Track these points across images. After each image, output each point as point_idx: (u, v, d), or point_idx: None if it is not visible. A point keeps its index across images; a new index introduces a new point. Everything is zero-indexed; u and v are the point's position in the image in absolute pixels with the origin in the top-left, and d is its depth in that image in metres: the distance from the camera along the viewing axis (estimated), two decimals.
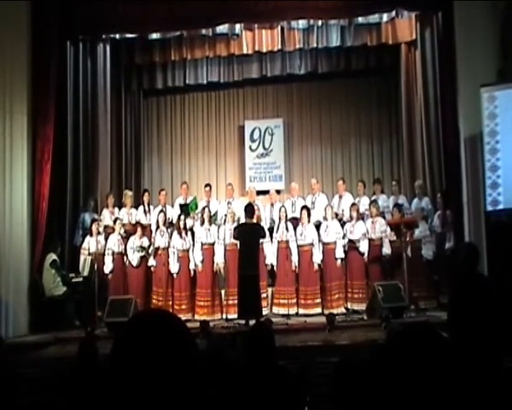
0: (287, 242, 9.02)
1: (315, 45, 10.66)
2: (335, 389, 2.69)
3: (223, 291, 9.09)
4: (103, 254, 9.03)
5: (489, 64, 8.28)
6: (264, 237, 8.53)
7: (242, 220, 8.74)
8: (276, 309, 9.00)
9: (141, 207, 9.93)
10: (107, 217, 9.72)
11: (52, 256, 8.87)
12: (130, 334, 1.24)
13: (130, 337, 1.24)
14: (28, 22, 9.06)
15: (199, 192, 10.60)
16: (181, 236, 9.14)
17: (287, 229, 9.05)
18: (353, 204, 9.34)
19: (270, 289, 9.15)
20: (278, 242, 9.06)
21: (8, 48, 8.65)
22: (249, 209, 8.37)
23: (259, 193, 10.76)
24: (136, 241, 9.09)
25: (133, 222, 9.56)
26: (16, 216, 8.63)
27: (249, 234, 8.13)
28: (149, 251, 9.06)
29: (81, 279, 8.91)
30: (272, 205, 9.98)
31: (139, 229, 9.18)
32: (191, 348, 1.25)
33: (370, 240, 8.99)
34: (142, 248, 9.01)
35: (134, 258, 9.06)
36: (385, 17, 10.24)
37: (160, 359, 1.19)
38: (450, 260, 8.55)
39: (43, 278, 8.83)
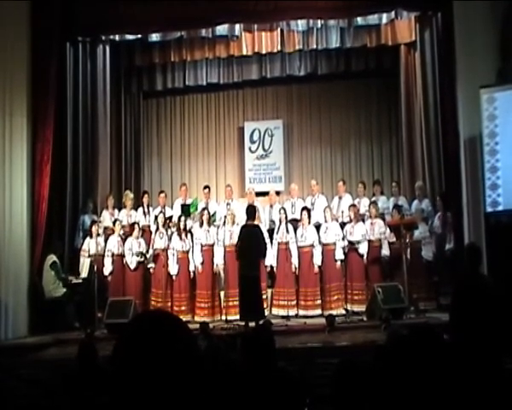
0: (287, 243, 9.02)
1: (314, 47, 10.65)
2: (335, 391, 2.69)
3: (222, 293, 9.09)
4: (103, 256, 9.02)
5: (488, 65, 8.28)
6: (264, 256, 8.41)
7: (243, 222, 8.72)
8: (275, 311, 9.00)
9: (140, 209, 9.93)
10: (106, 218, 9.72)
11: (52, 258, 8.85)
12: (130, 335, 1.24)
13: (130, 339, 1.23)
14: (28, 24, 9.06)
15: (198, 194, 10.59)
16: (181, 237, 9.13)
17: (287, 230, 9.05)
18: (352, 205, 9.34)
19: (269, 291, 9.14)
20: (278, 243, 9.05)
21: (7, 49, 8.66)
22: (251, 211, 8.37)
23: (259, 194, 10.73)
24: (133, 243, 9.09)
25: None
26: (16, 217, 8.62)
27: (250, 235, 8.11)
28: (148, 256, 9.06)
29: (81, 281, 8.91)
30: (271, 206, 9.99)
31: (136, 230, 9.18)
32: (192, 348, 1.25)
33: (370, 241, 8.99)
34: (141, 253, 9.00)
35: (132, 261, 9.05)
36: (384, 18, 10.24)
37: (161, 360, 1.19)
38: (451, 262, 8.56)
39: (43, 279, 8.81)
